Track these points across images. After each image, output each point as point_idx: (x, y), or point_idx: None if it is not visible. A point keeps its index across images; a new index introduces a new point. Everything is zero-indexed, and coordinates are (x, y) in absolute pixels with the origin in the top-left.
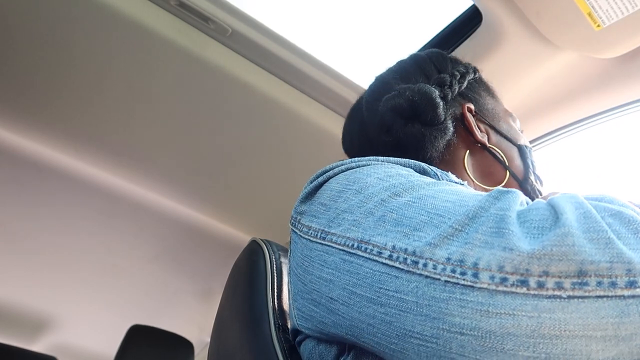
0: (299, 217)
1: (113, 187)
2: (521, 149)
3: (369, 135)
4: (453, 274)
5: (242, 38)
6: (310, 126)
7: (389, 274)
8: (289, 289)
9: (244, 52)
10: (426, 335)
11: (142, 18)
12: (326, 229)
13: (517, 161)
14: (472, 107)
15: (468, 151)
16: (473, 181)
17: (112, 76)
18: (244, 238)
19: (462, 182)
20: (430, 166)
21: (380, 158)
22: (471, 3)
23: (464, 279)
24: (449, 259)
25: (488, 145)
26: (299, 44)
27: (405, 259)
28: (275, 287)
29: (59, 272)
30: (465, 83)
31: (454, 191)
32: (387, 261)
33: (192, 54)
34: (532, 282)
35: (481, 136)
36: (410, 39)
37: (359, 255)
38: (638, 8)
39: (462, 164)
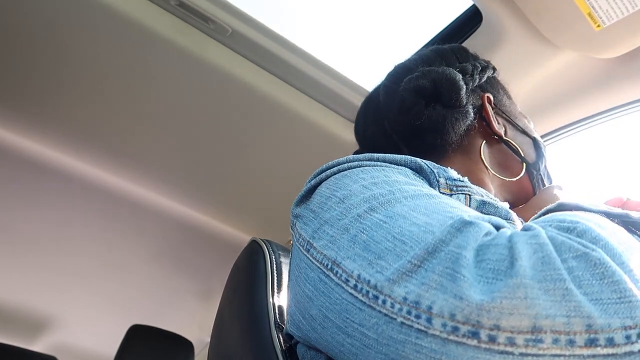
0: (295, 221)
1: (113, 187)
2: (536, 142)
3: (385, 120)
4: (409, 316)
5: (242, 38)
6: (310, 126)
7: (354, 305)
8: (288, 290)
9: (244, 52)
10: None
11: (142, 18)
12: (311, 241)
13: (532, 155)
14: (491, 98)
15: (485, 141)
16: (489, 171)
17: (112, 76)
18: (244, 238)
19: (462, 179)
20: (426, 162)
21: (375, 156)
22: (471, 3)
23: (418, 323)
24: (405, 298)
25: (505, 137)
26: (299, 44)
27: (368, 292)
28: (275, 287)
29: (59, 272)
30: (485, 77)
31: (427, 209)
32: (353, 291)
33: (192, 54)
34: (483, 335)
35: (498, 128)
36: (410, 39)
37: (331, 278)
38: (638, 8)
39: (478, 153)
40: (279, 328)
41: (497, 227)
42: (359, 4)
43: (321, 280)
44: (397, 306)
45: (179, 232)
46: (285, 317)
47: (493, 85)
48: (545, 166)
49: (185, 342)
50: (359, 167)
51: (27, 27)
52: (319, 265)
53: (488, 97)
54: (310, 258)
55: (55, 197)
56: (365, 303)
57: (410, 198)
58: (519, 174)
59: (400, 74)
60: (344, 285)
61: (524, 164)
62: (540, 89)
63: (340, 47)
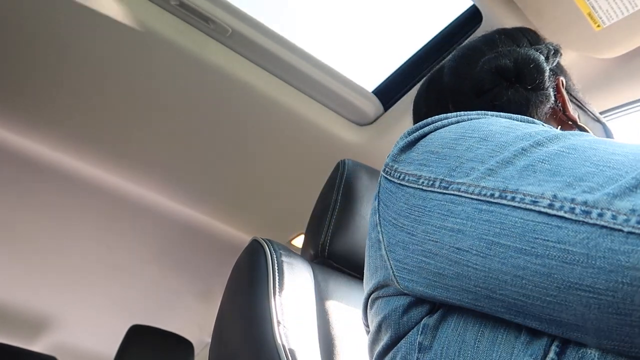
0: (396, 166)
1: (113, 187)
2: (606, 128)
3: (450, 103)
4: (639, 225)
5: (242, 38)
6: (310, 126)
7: (548, 224)
8: (381, 238)
9: (244, 52)
10: (599, 289)
11: (142, 18)
12: (448, 178)
13: None
14: (565, 81)
15: (559, 127)
16: None
17: (112, 76)
18: (244, 238)
19: None
20: (536, 120)
21: (490, 113)
22: (471, 3)
23: None
24: (634, 210)
25: (579, 122)
26: (299, 44)
27: (573, 208)
28: (277, 286)
29: (59, 272)
30: (556, 60)
31: (607, 144)
32: (548, 210)
33: (192, 54)
34: None
35: (573, 112)
36: (410, 39)
37: (503, 205)
38: (638, 8)
39: None
40: (281, 327)
41: None
42: (359, 4)
43: (480, 210)
44: (622, 217)
45: (179, 232)
46: (379, 268)
47: (561, 69)
48: None
49: (185, 342)
50: (483, 117)
51: (27, 27)
52: (474, 197)
53: (562, 81)
54: (455, 192)
55: (56, 197)
56: (568, 219)
57: (576, 135)
58: None
59: (469, 55)
60: (530, 207)
61: None
62: None
63: (340, 47)
